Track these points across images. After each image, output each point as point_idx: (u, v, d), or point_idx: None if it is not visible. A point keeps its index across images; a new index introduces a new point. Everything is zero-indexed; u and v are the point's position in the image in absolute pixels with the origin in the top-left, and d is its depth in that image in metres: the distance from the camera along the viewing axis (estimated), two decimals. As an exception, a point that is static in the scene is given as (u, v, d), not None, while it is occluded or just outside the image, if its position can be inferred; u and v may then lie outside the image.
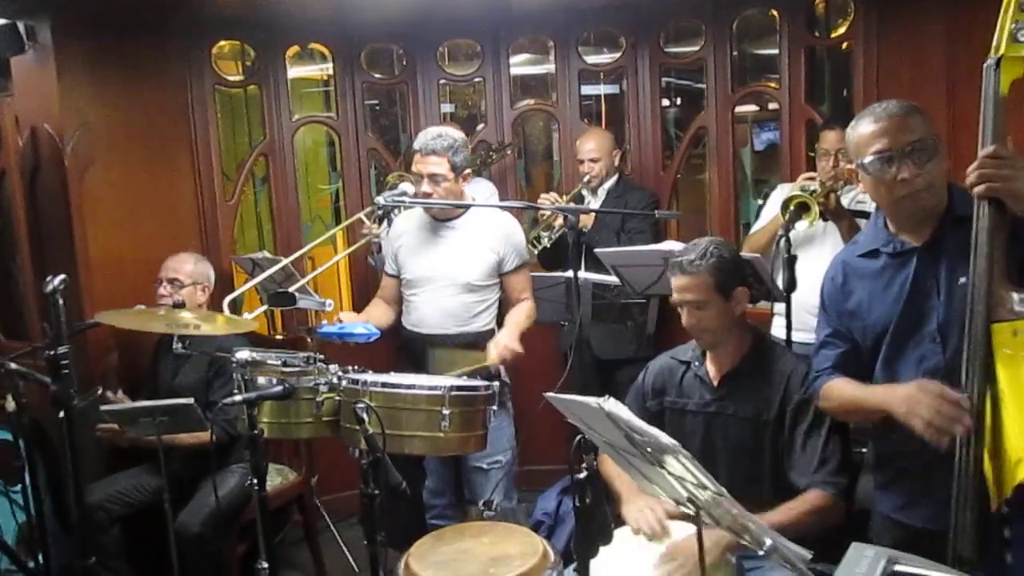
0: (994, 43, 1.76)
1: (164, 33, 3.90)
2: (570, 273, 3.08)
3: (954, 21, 3.40)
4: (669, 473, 1.59)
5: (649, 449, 1.59)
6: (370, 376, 2.50)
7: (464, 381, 2.53)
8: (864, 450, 2.58)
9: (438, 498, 3.23)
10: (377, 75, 4.55)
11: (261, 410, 2.46)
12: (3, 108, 3.59)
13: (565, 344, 3.81)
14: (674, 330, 3.84)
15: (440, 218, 3.07)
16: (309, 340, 3.45)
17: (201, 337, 3.23)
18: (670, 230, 4.30)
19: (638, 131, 4.37)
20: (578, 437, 1.84)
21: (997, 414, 1.66)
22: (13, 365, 2.73)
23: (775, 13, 4.07)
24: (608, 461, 2.27)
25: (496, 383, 2.55)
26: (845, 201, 3.25)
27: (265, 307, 2.97)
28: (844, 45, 4.28)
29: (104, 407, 2.96)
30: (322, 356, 2.60)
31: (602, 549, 1.83)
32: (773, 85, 4.19)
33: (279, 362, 2.53)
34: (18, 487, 2.99)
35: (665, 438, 1.49)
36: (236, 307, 2.93)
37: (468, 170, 3.05)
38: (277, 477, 3.54)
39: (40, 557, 2.83)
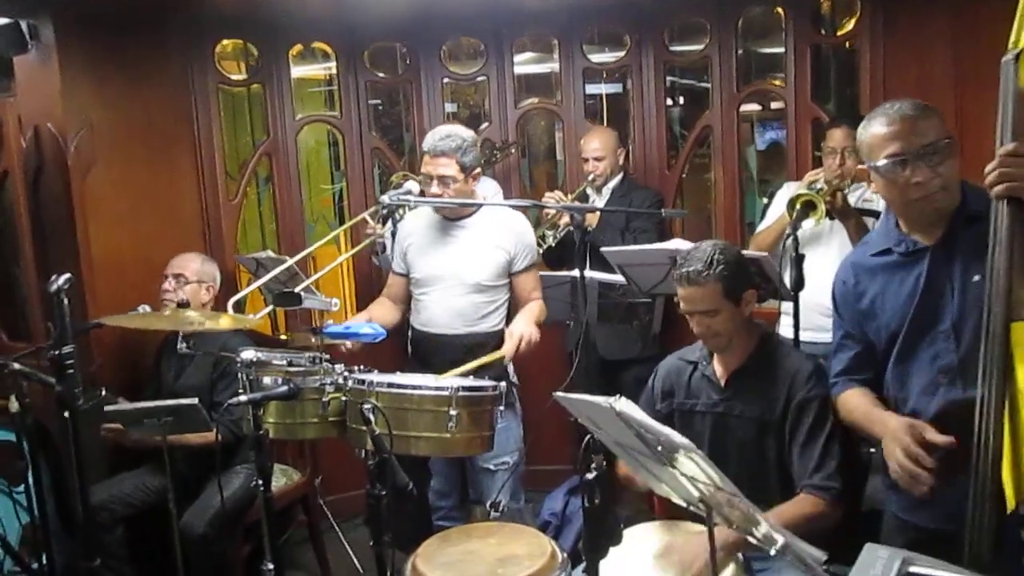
0: (1012, 38, 1.74)
1: (167, 32, 3.89)
2: (576, 272, 3.08)
3: (961, 18, 3.38)
4: (681, 473, 1.57)
5: (660, 448, 1.58)
6: (376, 376, 2.49)
7: (471, 381, 2.51)
8: (873, 450, 2.55)
9: (444, 499, 3.21)
10: (380, 74, 4.53)
11: (267, 410, 2.45)
12: (6, 108, 3.58)
13: (570, 344, 3.79)
14: (680, 329, 3.81)
15: (450, 217, 3.04)
16: (314, 339, 3.46)
17: (205, 337, 3.23)
18: (675, 229, 4.29)
19: (642, 130, 4.35)
20: (587, 437, 1.82)
21: (1015, 413, 1.65)
22: (16, 365, 2.72)
23: (780, 11, 4.05)
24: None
25: (503, 383, 2.53)
26: (852, 199, 3.23)
27: (270, 307, 2.95)
28: (848, 44, 4.27)
29: (108, 407, 2.95)
30: (327, 356, 2.59)
31: (611, 550, 1.81)
32: (778, 83, 4.17)
33: (284, 362, 2.52)
34: (21, 488, 2.98)
35: (679, 437, 1.47)
36: (240, 308, 2.91)
37: (478, 170, 3.02)
38: (282, 478, 3.53)
39: (44, 558, 2.82)
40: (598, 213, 3.80)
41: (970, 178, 1.92)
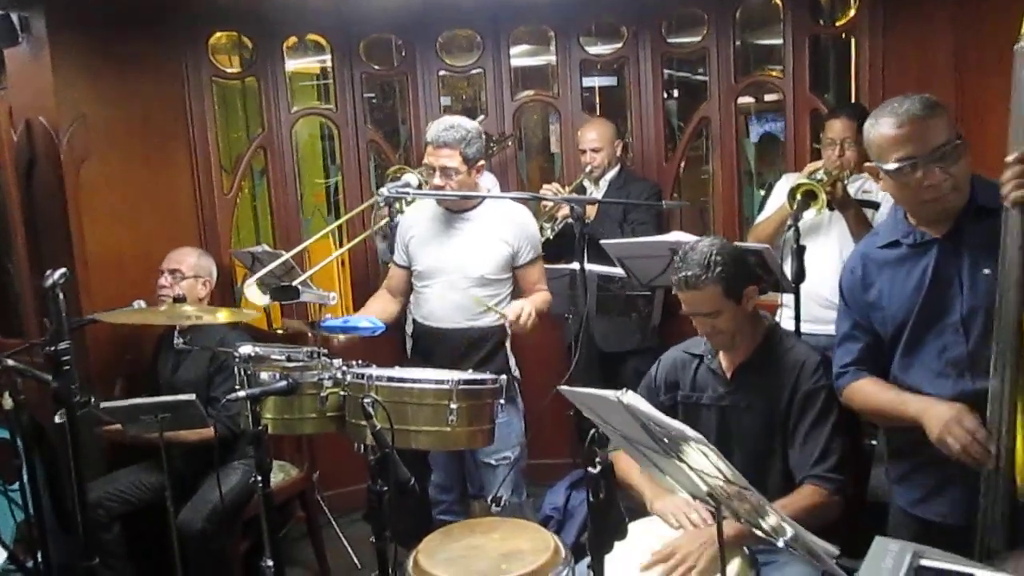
0: None
1: (160, 24, 3.85)
2: (575, 265, 3.06)
3: (962, 6, 3.36)
4: (689, 467, 1.55)
5: (666, 440, 1.56)
6: (375, 370, 2.47)
7: (471, 375, 2.49)
8: (875, 442, 2.55)
9: (445, 493, 3.19)
10: (376, 67, 4.49)
11: (264, 406, 2.42)
12: (-3, 101, 3.55)
13: (569, 337, 3.77)
14: (680, 321, 3.79)
15: (453, 209, 3.01)
16: (310, 334, 3.44)
17: (202, 332, 3.20)
18: (672, 222, 4.26)
19: (640, 122, 4.33)
20: (591, 431, 1.80)
21: None
22: (11, 362, 2.68)
23: (778, 1, 4.03)
24: (623, 458, 2.24)
25: (504, 377, 2.51)
26: (851, 190, 3.21)
27: (267, 299, 2.92)
28: (843, 35, 4.25)
29: (104, 404, 2.92)
30: (326, 351, 2.56)
31: (616, 544, 1.79)
32: (775, 74, 4.15)
33: (283, 357, 2.49)
34: (16, 485, 2.95)
35: (690, 431, 1.46)
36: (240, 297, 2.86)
37: (482, 162, 2.98)
38: (279, 473, 3.50)
39: (39, 556, 2.80)
40: (596, 205, 3.78)
41: (973, 168, 1.91)
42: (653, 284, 3.20)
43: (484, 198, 3.03)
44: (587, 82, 4.72)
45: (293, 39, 4.38)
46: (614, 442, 1.84)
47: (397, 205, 3.25)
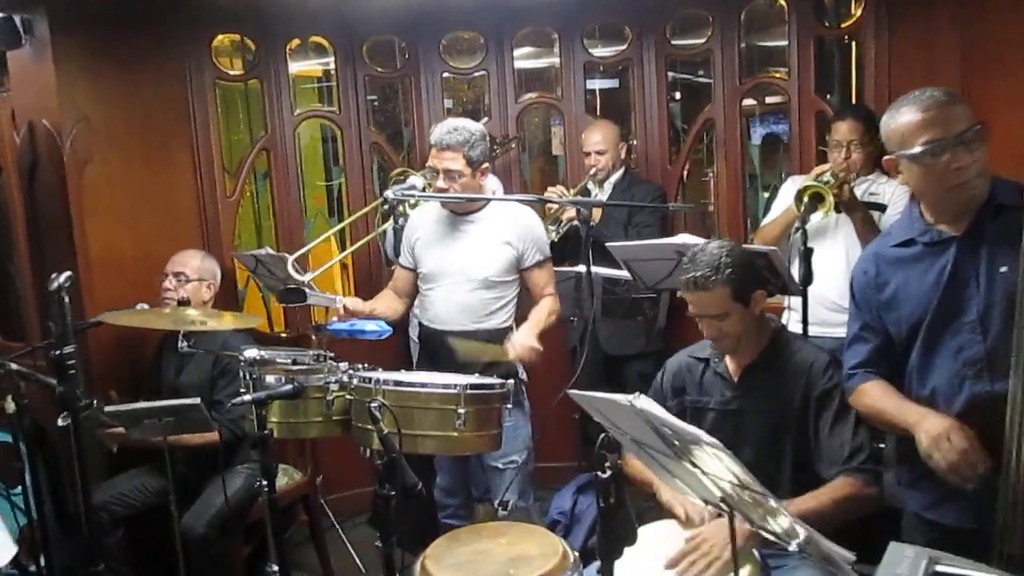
0: None
1: (163, 26, 3.83)
2: (581, 267, 3.04)
3: (967, 8, 3.35)
4: (702, 471, 1.54)
5: (677, 443, 1.55)
6: (382, 374, 2.45)
7: (479, 379, 2.47)
8: (883, 445, 2.53)
9: (451, 497, 3.17)
10: (379, 69, 4.48)
11: (270, 410, 2.41)
12: (-1, 103, 3.54)
13: (573, 339, 3.76)
14: (685, 325, 3.77)
15: (458, 212, 2.99)
16: (314, 337, 3.43)
17: (206, 335, 3.19)
18: (677, 225, 4.25)
19: (644, 124, 4.31)
20: (601, 435, 1.79)
21: None
22: (14, 366, 2.67)
23: (783, 3, 4.02)
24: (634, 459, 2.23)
25: (511, 381, 2.49)
26: (857, 192, 3.20)
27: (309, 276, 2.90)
28: (846, 38, 4.24)
29: (108, 408, 2.90)
30: (332, 354, 2.55)
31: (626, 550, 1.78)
32: (779, 75, 4.14)
33: (288, 360, 2.48)
34: (18, 489, 2.94)
35: (706, 436, 1.44)
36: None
37: (486, 164, 2.96)
38: (283, 477, 3.48)
39: (41, 560, 2.78)
40: (601, 207, 3.76)
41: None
42: (659, 287, 3.19)
43: (489, 200, 3.01)
44: (588, 84, 4.71)
45: (296, 41, 4.37)
46: (624, 446, 1.82)
47: (401, 207, 3.25)
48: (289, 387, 2.33)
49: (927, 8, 3.59)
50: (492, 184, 4.12)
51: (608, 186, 3.98)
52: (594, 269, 3.04)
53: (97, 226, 3.52)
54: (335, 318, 2.78)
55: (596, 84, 5.13)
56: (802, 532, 1.53)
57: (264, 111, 4.26)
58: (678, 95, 5.65)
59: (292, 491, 3.49)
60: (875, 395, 2.02)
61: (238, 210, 4.30)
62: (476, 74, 4.52)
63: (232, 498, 3.10)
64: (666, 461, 1.69)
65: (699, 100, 4.61)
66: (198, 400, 2.82)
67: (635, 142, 4.34)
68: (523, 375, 3.01)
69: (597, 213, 3.72)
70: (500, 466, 2.95)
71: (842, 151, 3.28)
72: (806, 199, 3.04)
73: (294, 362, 2.49)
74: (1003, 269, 1.78)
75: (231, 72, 4.30)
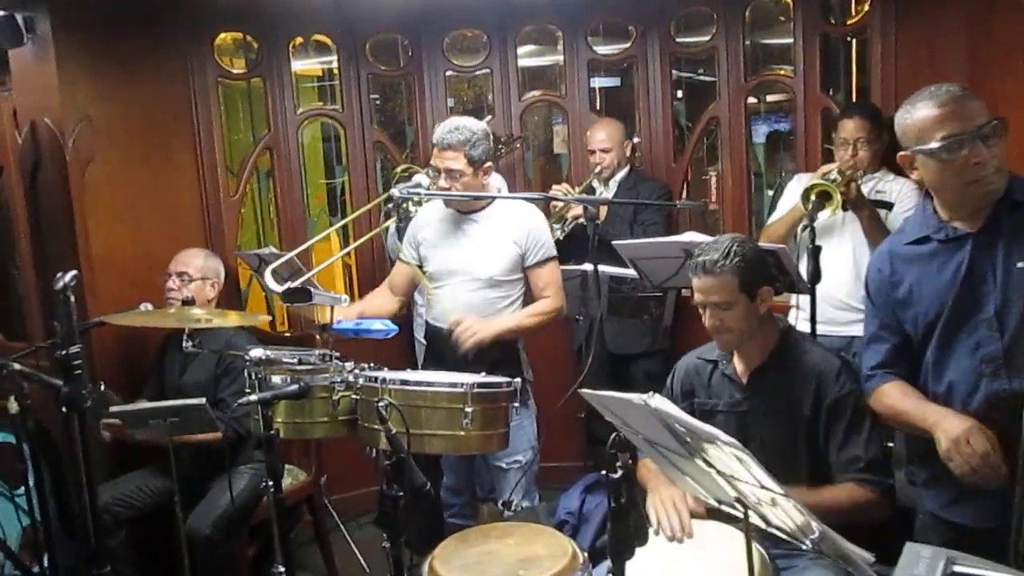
0: None
1: (166, 24, 3.82)
2: (587, 266, 3.02)
3: (975, 6, 3.33)
4: (718, 472, 1.52)
5: (689, 440, 1.53)
6: (388, 374, 2.43)
7: (486, 378, 2.45)
8: (891, 444, 2.51)
9: (456, 496, 3.15)
10: (382, 67, 4.46)
11: (275, 410, 2.39)
12: (0, 102, 3.51)
13: (579, 339, 3.74)
14: (691, 323, 3.76)
15: (462, 211, 2.98)
16: (318, 337, 3.40)
17: (210, 334, 3.17)
18: (681, 224, 4.23)
19: (648, 123, 4.29)
20: (613, 435, 1.77)
21: None
22: (17, 366, 2.65)
23: (788, 0, 4.00)
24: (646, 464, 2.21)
25: (519, 380, 2.48)
26: (864, 191, 3.18)
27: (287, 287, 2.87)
28: (849, 37, 4.21)
29: (113, 408, 2.89)
30: (338, 353, 2.53)
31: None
32: (783, 72, 4.12)
33: (294, 360, 2.46)
34: (21, 490, 2.92)
35: (724, 436, 1.42)
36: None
37: (488, 163, 2.94)
38: (287, 477, 3.46)
39: (45, 561, 2.76)
40: (604, 206, 3.74)
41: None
42: (665, 285, 3.17)
43: (493, 199, 3.00)
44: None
45: (299, 39, 4.35)
46: (636, 445, 1.80)
47: (405, 205, 3.23)
48: (295, 387, 2.31)
49: (934, 5, 3.57)
50: (497, 183, 4.10)
51: (613, 184, 3.97)
52: (600, 268, 3.03)
53: (99, 226, 3.50)
54: (341, 318, 2.75)
55: (597, 83, 5.10)
56: (817, 529, 1.51)
57: (267, 109, 4.25)
58: (680, 93, 5.63)
59: (296, 491, 3.47)
60: (895, 396, 2.00)
61: (241, 209, 4.29)
62: (479, 72, 4.51)
63: (237, 499, 3.08)
64: (678, 460, 1.67)
65: (701, 99, 4.58)
66: (203, 400, 2.81)
67: (639, 140, 4.32)
68: (528, 375, 2.99)
69: (602, 211, 3.71)
70: (504, 465, 2.93)
71: (849, 149, 3.27)
72: (813, 197, 3.03)
73: (300, 362, 2.47)
74: (1020, 265, 1.77)
75: (233, 71, 4.28)
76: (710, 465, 1.53)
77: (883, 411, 2.06)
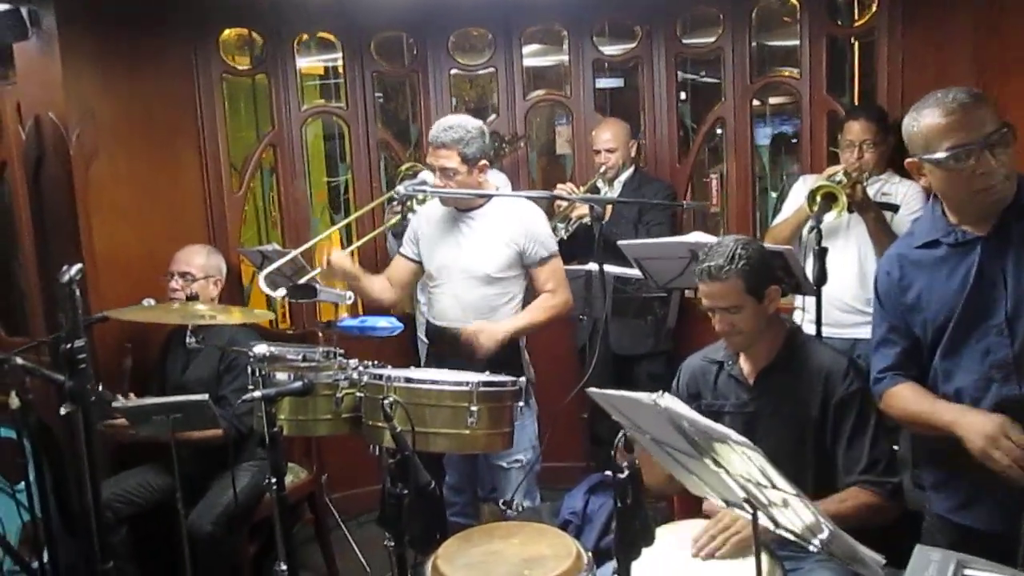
0: None
1: (171, 20, 3.82)
2: (592, 266, 3.01)
3: (982, 8, 3.32)
4: (727, 472, 1.51)
5: (698, 439, 1.52)
6: (393, 371, 2.42)
7: (491, 376, 2.45)
8: (896, 447, 2.50)
9: (459, 495, 3.15)
10: (386, 65, 4.45)
11: (279, 407, 2.38)
12: (5, 96, 3.50)
13: (582, 339, 3.73)
14: (694, 325, 3.77)
15: (460, 209, 2.97)
16: (322, 334, 3.40)
17: (212, 331, 3.16)
18: (684, 225, 4.22)
19: (653, 123, 4.28)
20: (619, 435, 1.76)
21: None
22: (20, 360, 2.64)
23: (795, 1, 3.99)
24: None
25: (523, 379, 2.47)
26: (869, 192, 3.18)
27: (283, 291, 2.87)
28: (853, 39, 4.20)
29: (116, 404, 2.87)
30: (342, 351, 2.52)
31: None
32: (789, 73, 4.11)
33: (298, 357, 2.46)
34: (21, 485, 2.91)
35: (736, 435, 1.41)
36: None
37: (484, 161, 2.93)
38: (288, 475, 3.44)
39: (45, 557, 2.75)
40: (609, 205, 3.73)
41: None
42: (670, 286, 3.16)
43: (491, 197, 2.99)
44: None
45: (304, 36, 4.34)
46: (642, 445, 1.79)
47: (410, 202, 3.22)
48: (299, 384, 2.30)
49: (941, 8, 3.57)
50: (499, 181, 4.10)
51: (618, 184, 3.96)
52: (606, 267, 3.02)
53: (102, 222, 3.49)
54: (345, 314, 2.75)
55: (601, 83, 5.09)
56: (827, 530, 1.50)
57: (271, 106, 4.24)
58: (683, 95, 5.62)
59: (298, 490, 3.46)
60: (906, 398, 1.98)
61: (244, 206, 4.28)
62: (484, 71, 4.50)
63: (239, 496, 3.07)
64: (687, 461, 1.66)
65: (705, 100, 4.57)
66: (206, 396, 2.79)
67: (644, 141, 4.31)
68: (531, 374, 2.98)
69: (607, 211, 3.70)
70: (505, 465, 2.93)
71: (855, 151, 3.26)
72: (819, 199, 3.02)
73: (304, 359, 2.47)
74: None
75: (238, 67, 4.27)
76: (719, 465, 1.52)
77: (895, 413, 2.03)
